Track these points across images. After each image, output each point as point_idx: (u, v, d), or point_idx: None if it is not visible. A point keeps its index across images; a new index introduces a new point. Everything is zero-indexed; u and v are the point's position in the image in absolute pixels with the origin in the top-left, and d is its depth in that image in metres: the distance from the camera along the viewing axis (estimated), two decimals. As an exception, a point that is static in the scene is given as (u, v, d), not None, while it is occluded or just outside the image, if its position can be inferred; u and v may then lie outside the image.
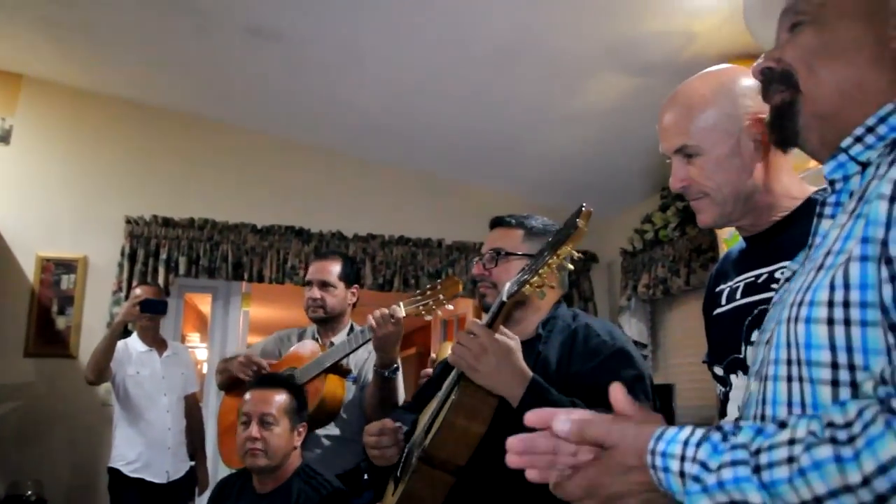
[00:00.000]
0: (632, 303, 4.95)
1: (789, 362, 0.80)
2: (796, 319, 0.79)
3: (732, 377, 1.33)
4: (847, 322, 0.74)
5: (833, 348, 0.75)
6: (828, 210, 0.91)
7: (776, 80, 0.97)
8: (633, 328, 4.80)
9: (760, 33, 1.19)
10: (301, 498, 2.19)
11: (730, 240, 2.57)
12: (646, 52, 3.40)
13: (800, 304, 0.80)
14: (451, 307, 2.41)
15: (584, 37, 3.39)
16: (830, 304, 0.76)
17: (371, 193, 5.17)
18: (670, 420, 1.67)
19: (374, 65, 3.92)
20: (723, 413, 1.35)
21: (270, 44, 3.78)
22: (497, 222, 1.94)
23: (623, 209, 5.20)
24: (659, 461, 0.74)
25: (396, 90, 4.17)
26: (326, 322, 2.81)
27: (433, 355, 2.68)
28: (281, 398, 2.27)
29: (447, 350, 2.61)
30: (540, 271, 1.46)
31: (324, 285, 2.78)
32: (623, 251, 5.05)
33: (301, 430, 2.31)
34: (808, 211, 1.29)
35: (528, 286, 1.48)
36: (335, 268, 2.81)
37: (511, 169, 5.07)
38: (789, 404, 0.79)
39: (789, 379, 0.80)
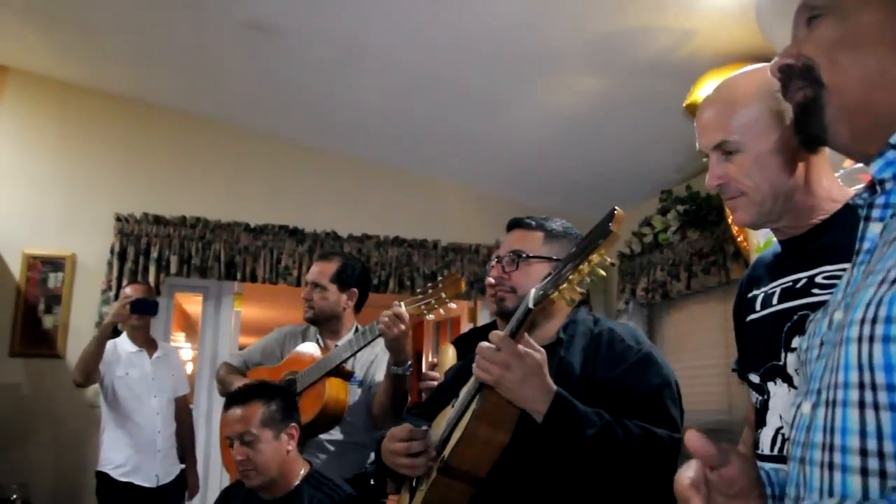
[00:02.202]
0: (629, 306, 4.91)
1: (862, 386, 0.73)
2: (871, 339, 0.72)
3: (770, 385, 1.28)
4: None
5: None
6: (876, 212, 0.85)
7: (797, 76, 0.92)
8: (630, 332, 4.76)
9: (773, 34, 1.14)
10: (313, 504, 2.12)
11: (765, 244, 2.51)
12: (642, 51, 3.35)
13: (873, 322, 0.72)
14: (453, 305, 2.37)
15: (584, 35, 3.33)
16: None
17: (366, 193, 5.10)
18: (679, 421, 1.63)
19: (372, 62, 3.85)
20: (761, 422, 1.30)
21: (267, 39, 3.70)
22: (516, 223, 1.86)
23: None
24: None
25: (395, 89, 4.11)
26: (321, 323, 2.76)
27: (433, 360, 2.62)
28: (255, 411, 2.15)
29: (448, 355, 2.56)
30: (570, 277, 1.39)
31: (315, 286, 2.74)
32: (621, 254, 5.01)
33: (291, 431, 2.20)
34: (851, 214, 1.25)
35: (556, 293, 1.42)
36: (329, 269, 2.77)
37: (505, 170, 5.02)
38: (862, 434, 0.72)
39: (862, 405, 0.72)
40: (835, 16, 0.89)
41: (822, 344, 0.86)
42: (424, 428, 1.67)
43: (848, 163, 2.24)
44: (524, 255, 1.77)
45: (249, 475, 2.11)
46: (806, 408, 0.83)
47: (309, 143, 4.98)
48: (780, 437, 1.23)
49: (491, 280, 1.80)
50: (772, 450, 1.24)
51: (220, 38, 3.81)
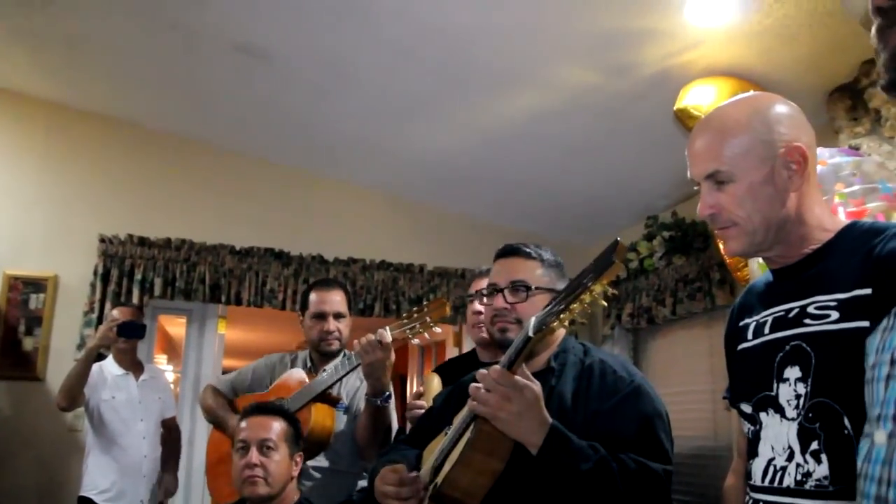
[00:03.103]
0: (615, 332, 4.92)
1: None
2: None
3: (762, 415, 1.27)
4: None
5: None
6: None
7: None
8: (616, 357, 4.76)
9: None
10: (302, 532, 2.12)
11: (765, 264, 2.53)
12: (630, 79, 3.38)
13: None
14: (438, 330, 2.37)
15: (575, 61, 3.37)
16: None
17: (353, 217, 5.10)
18: (671, 453, 1.63)
19: (361, 87, 3.87)
20: (753, 453, 1.29)
21: (257, 62, 3.70)
22: (513, 251, 1.85)
23: (606, 237, 5.16)
24: None
25: (383, 113, 4.12)
26: (335, 353, 2.73)
27: (420, 388, 2.61)
28: (279, 425, 2.22)
29: (433, 384, 2.54)
30: (573, 306, 1.40)
31: (339, 316, 2.71)
32: (606, 279, 5.01)
33: (298, 459, 2.24)
34: (842, 244, 1.26)
35: (557, 321, 1.42)
36: (344, 298, 2.76)
37: (492, 195, 5.04)
38: None
39: None
40: None
41: (893, 362, 0.79)
42: (414, 474, 1.65)
43: (839, 185, 2.27)
44: (532, 287, 1.76)
45: (258, 482, 2.11)
46: (881, 437, 0.75)
47: (296, 166, 4.97)
48: (771, 468, 1.23)
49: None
50: (763, 480, 1.24)
51: (208, 60, 3.81)
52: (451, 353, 5.46)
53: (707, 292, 4.10)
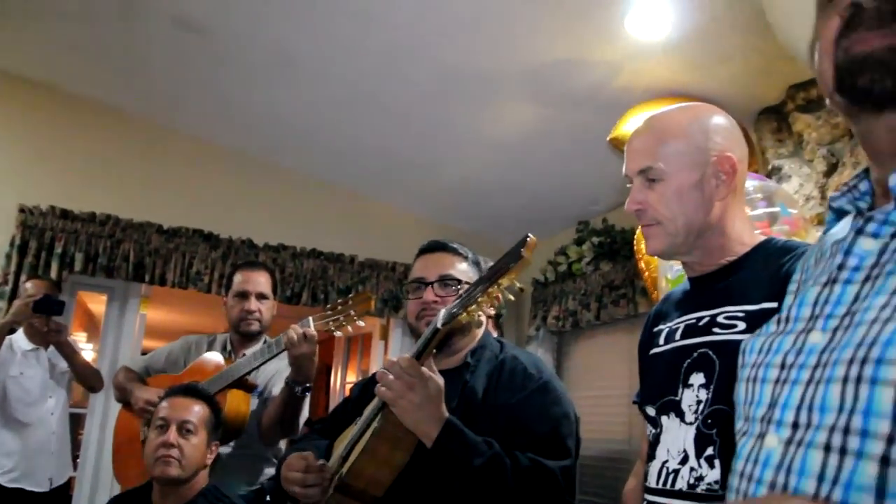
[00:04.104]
0: (540, 333, 4.98)
1: (832, 430, 0.69)
2: (858, 380, 0.67)
3: (664, 419, 1.31)
4: None
5: None
6: (871, 227, 0.76)
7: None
8: (539, 358, 4.83)
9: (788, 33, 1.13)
10: (208, 521, 2.08)
11: (675, 280, 2.58)
12: (572, 84, 3.43)
13: (862, 363, 0.67)
14: (361, 324, 2.37)
15: (510, 63, 3.40)
16: None
17: (285, 203, 5.03)
18: (574, 452, 1.67)
19: (301, 73, 3.82)
20: (651, 455, 1.33)
21: (196, 37, 3.62)
22: (439, 247, 1.88)
23: (537, 239, 5.23)
24: None
25: (323, 101, 4.07)
26: (255, 336, 2.69)
27: None
28: (202, 409, 2.18)
29: None
30: (480, 299, 1.41)
31: (262, 297, 2.68)
32: (535, 281, 5.09)
33: (214, 447, 2.21)
34: (756, 258, 1.31)
35: (465, 314, 1.44)
36: (268, 280, 2.73)
37: (428, 191, 5.05)
38: (820, 479, 0.68)
39: (827, 448, 0.69)
40: None
41: (784, 366, 0.80)
42: (321, 462, 1.65)
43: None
44: (462, 282, 1.79)
45: (171, 463, 2.06)
46: (772, 441, 0.76)
47: (231, 147, 4.88)
48: (665, 470, 1.26)
49: (427, 300, 1.79)
50: (657, 483, 1.27)
51: (146, 31, 3.69)
52: (378, 345, 5.45)
53: (630, 299, 4.19)
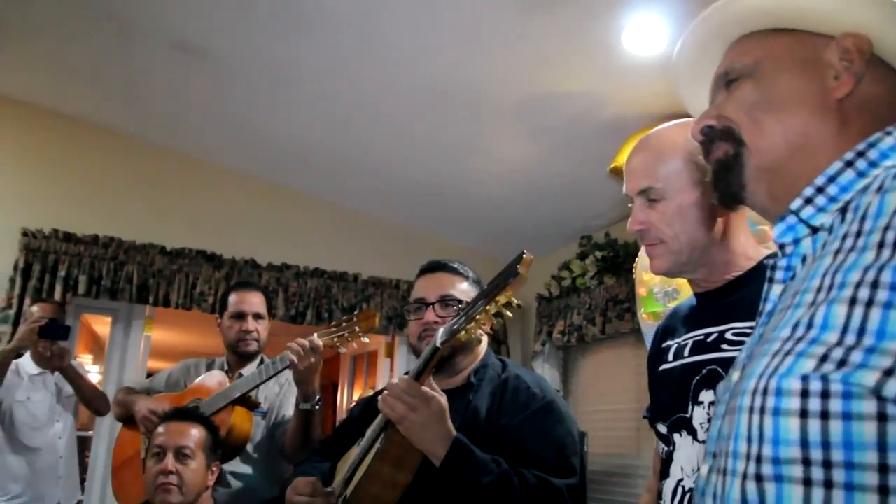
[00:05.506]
0: (546, 348, 4.96)
1: (748, 458, 0.71)
2: (761, 411, 0.69)
3: (676, 436, 1.29)
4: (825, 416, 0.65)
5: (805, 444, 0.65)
6: (778, 275, 0.86)
7: (718, 138, 0.94)
8: (545, 374, 4.81)
9: (691, 99, 1.19)
10: (213, 544, 2.07)
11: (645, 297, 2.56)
12: (573, 107, 3.44)
13: (764, 393, 0.70)
14: (366, 340, 2.37)
15: (511, 85, 3.41)
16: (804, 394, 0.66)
17: (288, 222, 5.03)
18: (581, 467, 1.66)
19: (302, 93, 3.83)
20: (665, 473, 1.31)
21: (195, 60, 3.64)
22: (440, 267, 1.88)
23: (540, 255, 5.24)
24: None
25: (324, 120, 4.08)
26: (252, 356, 2.69)
27: None
28: (197, 432, 2.16)
29: None
30: (477, 318, 1.41)
31: (258, 317, 2.69)
32: (539, 296, 5.07)
33: (215, 469, 2.19)
34: (763, 272, 1.30)
35: (464, 332, 1.43)
36: (263, 300, 2.74)
37: (430, 208, 5.05)
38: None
39: (745, 477, 0.70)
40: (754, 79, 0.90)
41: (716, 402, 0.86)
42: (330, 490, 1.64)
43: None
44: (462, 301, 1.79)
45: (171, 490, 2.05)
46: (704, 470, 0.82)
47: (232, 168, 4.89)
48: (680, 489, 1.25)
49: (428, 320, 1.79)
50: (672, 501, 1.26)
51: (145, 54, 3.71)
52: (384, 363, 5.44)
53: (635, 313, 4.16)
